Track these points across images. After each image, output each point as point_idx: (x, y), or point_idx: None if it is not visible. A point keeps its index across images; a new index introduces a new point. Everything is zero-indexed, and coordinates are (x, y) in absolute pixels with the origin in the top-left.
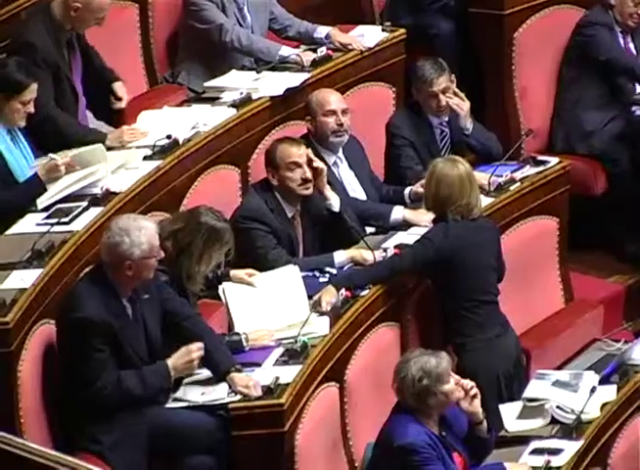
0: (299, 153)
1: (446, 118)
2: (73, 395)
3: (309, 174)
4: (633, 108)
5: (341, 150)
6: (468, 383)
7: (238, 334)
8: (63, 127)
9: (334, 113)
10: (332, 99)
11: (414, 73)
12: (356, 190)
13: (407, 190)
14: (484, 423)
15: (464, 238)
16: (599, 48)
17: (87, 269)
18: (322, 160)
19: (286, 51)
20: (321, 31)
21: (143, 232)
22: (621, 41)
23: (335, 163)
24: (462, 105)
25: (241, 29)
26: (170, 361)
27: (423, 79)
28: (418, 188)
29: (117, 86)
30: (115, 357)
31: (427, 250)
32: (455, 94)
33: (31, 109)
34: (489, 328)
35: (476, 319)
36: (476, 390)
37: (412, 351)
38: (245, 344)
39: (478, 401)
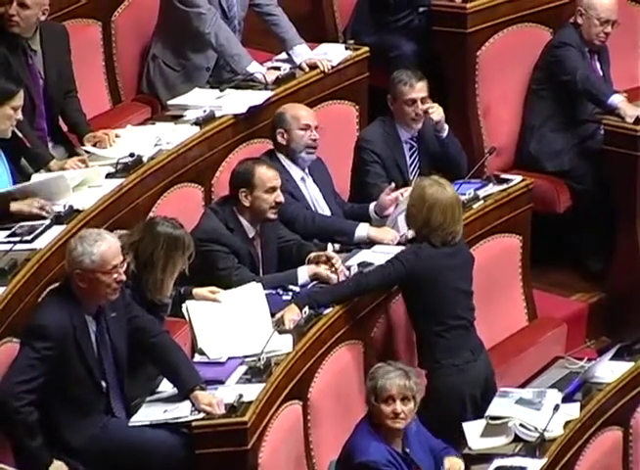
0: (277, 178)
1: (416, 134)
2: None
3: (281, 198)
4: (600, 126)
5: (306, 168)
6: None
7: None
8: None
9: (309, 127)
10: (307, 113)
11: (392, 80)
12: (322, 206)
13: (372, 205)
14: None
15: (435, 260)
16: (564, 67)
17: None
18: (289, 174)
19: (254, 67)
20: (296, 54)
21: (98, 244)
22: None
23: (302, 178)
24: (439, 110)
25: (223, 26)
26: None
27: (403, 83)
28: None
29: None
30: (54, 380)
31: (395, 270)
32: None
33: (20, 115)
34: (459, 354)
35: (445, 344)
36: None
37: (400, 362)
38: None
39: None
